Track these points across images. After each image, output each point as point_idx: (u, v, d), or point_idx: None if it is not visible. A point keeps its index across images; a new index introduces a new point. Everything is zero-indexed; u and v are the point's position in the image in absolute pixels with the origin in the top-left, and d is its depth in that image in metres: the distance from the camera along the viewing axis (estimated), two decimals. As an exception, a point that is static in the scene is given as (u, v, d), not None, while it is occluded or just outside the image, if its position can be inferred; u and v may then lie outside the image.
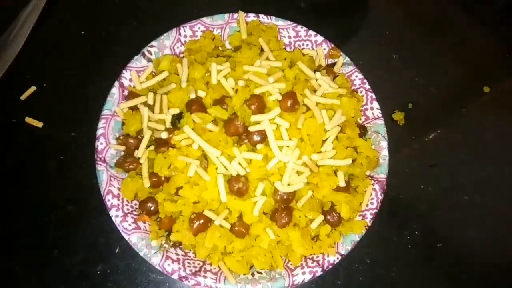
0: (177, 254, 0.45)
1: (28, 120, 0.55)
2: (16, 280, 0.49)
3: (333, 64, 0.53)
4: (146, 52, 0.51)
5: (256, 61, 0.48)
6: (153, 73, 0.52)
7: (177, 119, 0.46)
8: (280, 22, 0.54)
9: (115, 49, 0.60)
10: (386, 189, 0.48)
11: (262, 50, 0.51)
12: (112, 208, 0.45)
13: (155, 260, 0.43)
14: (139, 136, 0.47)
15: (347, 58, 0.53)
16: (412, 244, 0.54)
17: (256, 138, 0.44)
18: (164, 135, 0.45)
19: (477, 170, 0.59)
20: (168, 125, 0.46)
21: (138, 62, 0.51)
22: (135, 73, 0.50)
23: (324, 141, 0.46)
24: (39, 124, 0.55)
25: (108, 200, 0.45)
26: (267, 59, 0.49)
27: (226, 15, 0.53)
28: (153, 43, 0.51)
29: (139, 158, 0.46)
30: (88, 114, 0.51)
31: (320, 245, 0.45)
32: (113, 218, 0.44)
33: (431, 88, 0.63)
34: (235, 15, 0.53)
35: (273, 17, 0.54)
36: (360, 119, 0.52)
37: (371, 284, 0.52)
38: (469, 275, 0.54)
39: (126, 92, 0.50)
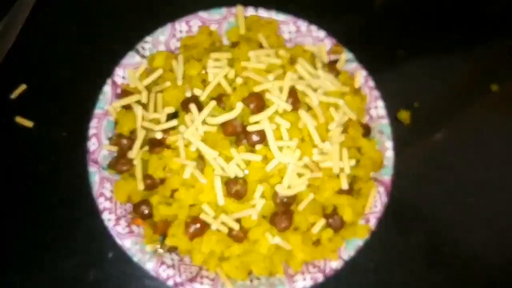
0: (172, 259, 0.44)
1: (19, 119, 0.54)
2: (6, 285, 0.48)
3: (336, 61, 0.52)
4: (140, 49, 0.50)
5: (249, 52, 0.46)
6: (147, 70, 0.50)
7: (172, 118, 0.45)
8: (280, 17, 0.52)
9: (108, 45, 0.58)
10: (391, 191, 0.47)
11: (261, 46, 0.50)
12: (104, 211, 0.44)
13: (150, 265, 0.42)
14: (132, 136, 0.46)
15: (350, 55, 0.52)
16: (417, 248, 0.53)
17: (255, 138, 0.42)
18: (158, 135, 0.44)
19: (485, 171, 0.58)
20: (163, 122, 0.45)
21: (131, 58, 0.49)
22: (132, 72, 0.49)
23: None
24: (30, 124, 0.54)
25: (101, 203, 0.44)
26: (267, 55, 0.48)
27: (224, 9, 0.52)
28: (147, 38, 0.50)
29: (132, 159, 0.45)
30: (80, 113, 0.50)
31: (321, 250, 0.44)
32: (105, 222, 0.43)
33: (437, 86, 0.62)
34: (233, 10, 0.52)
35: (273, 12, 0.52)
36: (364, 119, 0.51)
37: (375, 290, 0.51)
38: (476, 279, 0.53)
39: (119, 90, 0.49)
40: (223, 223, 0.42)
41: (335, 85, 0.47)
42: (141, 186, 0.43)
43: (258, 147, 0.43)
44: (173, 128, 0.44)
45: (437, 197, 0.56)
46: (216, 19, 0.52)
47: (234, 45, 0.51)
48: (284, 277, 0.43)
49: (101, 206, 0.44)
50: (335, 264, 0.44)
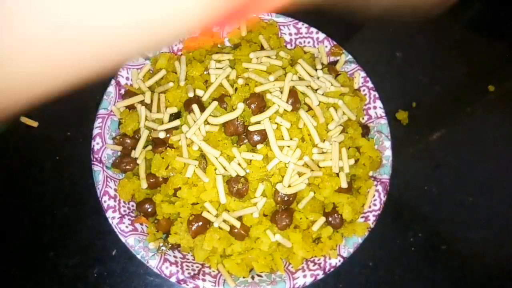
0: (175, 257, 0.44)
1: (23, 119, 0.54)
2: (10, 283, 0.48)
3: (335, 62, 0.53)
4: (143, 50, 0.50)
5: (250, 54, 0.47)
6: (151, 71, 0.51)
7: (175, 118, 0.46)
8: (281, 19, 0.53)
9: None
10: (389, 190, 0.47)
11: (262, 47, 0.50)
12: (108, 209, 0.44)
13: (153, 262, 0.43)
14: (136, 136, 0.46)
15: (350, 56, 0.52)
16: (415, 246, 0.53)
17: (256, 138, 0.43)
18: (161, 135, 0.44)
19: (482, 171, 0.58)
20: (166, 122, 0.45)
21: (135, 59, 0.50)
22: (136, 72, 0.49)
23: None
24: (34, 124, 0.54)
25: (105, 202, 0.44)
26: (268, 57, 0.48)
27: (226, 11, 0.52)
28: (150, 40, 0.51)
29: (136, 159, 0.45)
30: (84, 113, 0.51)
31: (321, 247, 0.44)
32: (109, 220, 0.44)
33: (435, 87, 0.62)
34: (235, 12, 0.52)
35: (274, 14, 0.53)
36: (363, 119, 0.51)
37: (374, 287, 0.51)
38: (473, 278, 0.53)
39: (123, 91, 0.49)
40: (225, 221, 0.42)
41: (334, 85, 0.48)
42: (144, 185, 0.44)
43: (259, 146, 0.43)
44: (176, 128, 0.44)
45: (435, 196, 0.56)
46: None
47: (235, 46, 0.51)
48: (284, 274, 0.44)
49: (105, 205, 0.44)
50: (334, 261, 0.44)
